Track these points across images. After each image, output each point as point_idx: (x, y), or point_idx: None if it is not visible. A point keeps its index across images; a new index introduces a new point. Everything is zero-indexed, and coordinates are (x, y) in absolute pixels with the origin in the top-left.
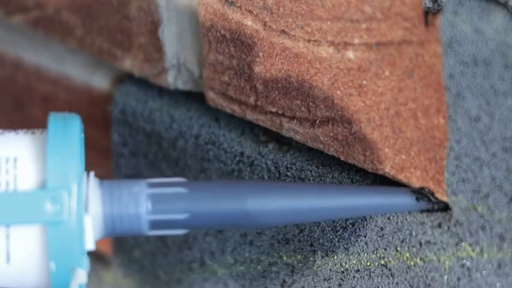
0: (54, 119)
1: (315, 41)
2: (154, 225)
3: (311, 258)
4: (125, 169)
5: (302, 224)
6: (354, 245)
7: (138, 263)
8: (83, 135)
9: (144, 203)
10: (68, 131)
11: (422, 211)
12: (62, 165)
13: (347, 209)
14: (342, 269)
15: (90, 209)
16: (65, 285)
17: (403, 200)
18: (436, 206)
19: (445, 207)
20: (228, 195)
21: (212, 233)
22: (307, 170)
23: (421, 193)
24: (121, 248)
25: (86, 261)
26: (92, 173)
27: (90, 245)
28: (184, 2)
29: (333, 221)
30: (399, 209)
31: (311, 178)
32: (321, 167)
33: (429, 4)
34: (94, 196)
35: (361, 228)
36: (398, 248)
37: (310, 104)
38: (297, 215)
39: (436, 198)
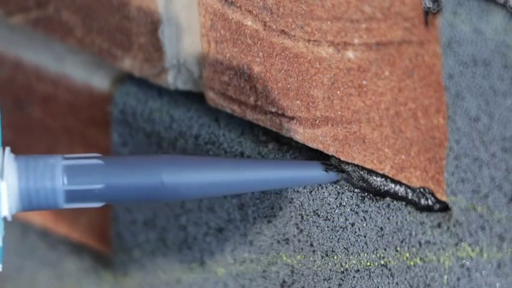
0: None
1: (315, 41)
2: (70, 197)
3: (311, 258)
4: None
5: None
6: (354, 245)
7: (138, 262)
8: None
9: (59, 174)
10: None
11: (421, 211)
12: None
13: (260, 182)
14: (342, 269)
15: (5, 178)
16: None
17: (314, 172)
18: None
19: (445, 207)
20: (143, 167)
21: (212, 233)
22: None
23: (329, 165)
24: (121, 247)
25: (1, 226)
26: (7, 148)
27: (5, 211)
28: (184, 2)
29: (333, 221)
30: (311, 181)
31: None
32: None
33: (429, 4)
34: (9, 168)
35: (361, 228)
36: (398, 248)
37: (310, 104)
38: (212, 187)
39: (436, 198)
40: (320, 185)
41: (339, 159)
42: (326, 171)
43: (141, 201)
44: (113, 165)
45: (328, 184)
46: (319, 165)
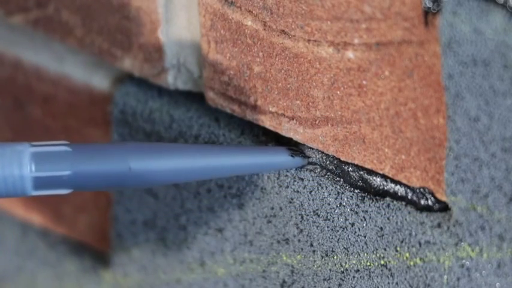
0: None
1: (315, 41)
2: (38, 184)
3: (311, 258)
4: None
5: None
6: (353, 245)
7: (138, 262)
8: None
9: (27, 161)
10: None
11: (421, 211)
12: None
13: (227, 167)
14: (342, 269)
15: None
16: None
17: (280, 158)
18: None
19: (445, 207)
20: (111, 154)
21: (211, 233)
22: (306, 170)
23: (295, 150)
24: (121, 247)
25: None
26: None
27: None
28: (184, 2)
29: (332, 221)
30: (278, 167)
31: (310, 178)
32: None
33: (429, 4)
34: None
35: (361, 228)
36: (398, 248)
37: (310, 104)
38: (179, 173)
39: (436, 198)
40: (286, 171)
41: (339, 159)
42: (292, 156)
43: (109, 187)
44: (80, 152)
45: (328, 184)
46: (285, 151)
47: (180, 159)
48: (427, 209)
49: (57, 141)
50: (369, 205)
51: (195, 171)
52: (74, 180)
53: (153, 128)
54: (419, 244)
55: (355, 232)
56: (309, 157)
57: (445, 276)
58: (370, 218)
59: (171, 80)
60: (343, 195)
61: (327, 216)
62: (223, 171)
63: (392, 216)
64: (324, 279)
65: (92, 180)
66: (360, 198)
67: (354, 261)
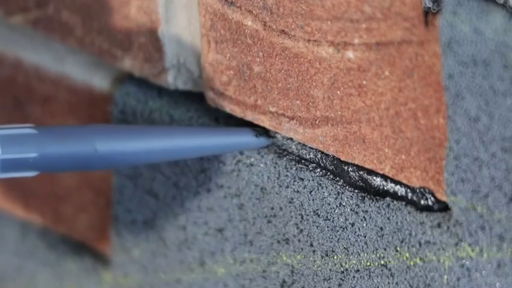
0: None
1: (315, 41)
2: (5, 166)
3: (311, 258)
4: (125, 169)
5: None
6: (354, 245)
7: (138, 262)
8: None
9: None
10: None
11: (421, 211)
12: None
13: (193, 148)
14: (342, 269)
15: None
16: None
17: (245, 138)
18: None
19: (445, 207)
20: (77, 136)
21: (211, 233)
22: (306, 170)
23: (260, 131)
24: (121, 247)
25: None
26: None
27: None
28: (184, 2)
29: (332, 221)
30: (243, 147)
31: (310, 178)
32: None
33: (429, 4)
34: None
35: (361, 228)
36: (398, 248)
37: (310, 104)
38: (144, 154)
39: (436, 198)
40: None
41: (339, 159)
42: (256, 136)
43: (75, 169)
44: (46, 134)
45: (328, 184)
46: (250, 131)
47: (146, 140)
48: (427, 209)
49: (23, 124)
50: (369, 205)
51: (160, 152)
52: (41, 162)
53: None
54: (419, 244)
55: (355, 232)
56: (273, 137)
57: (445, 276)
58: (370, 218)
59: (171, 80)
60: (343, 195)
61: (327, 216)
62: (189, 151)
63: (393, 216)
64: (324, 279)
65: (58, 162)
66: (360, 198)
67: (354, 261)
